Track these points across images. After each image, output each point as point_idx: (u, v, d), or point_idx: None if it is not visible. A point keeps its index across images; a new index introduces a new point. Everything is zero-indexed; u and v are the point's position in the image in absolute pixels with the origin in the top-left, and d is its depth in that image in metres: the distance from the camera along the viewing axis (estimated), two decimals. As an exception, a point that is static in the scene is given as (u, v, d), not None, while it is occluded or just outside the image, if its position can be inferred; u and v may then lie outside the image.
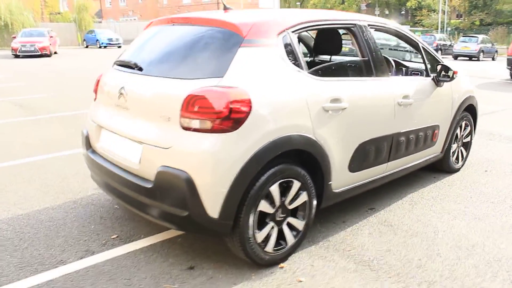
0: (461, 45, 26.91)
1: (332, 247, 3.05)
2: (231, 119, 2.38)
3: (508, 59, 13.50)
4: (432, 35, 30.23)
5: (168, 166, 2.45)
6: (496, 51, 28.31)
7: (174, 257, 2.88)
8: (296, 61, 2.76)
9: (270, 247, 2.72)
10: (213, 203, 2.42)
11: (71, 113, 7.77)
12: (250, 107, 2.42)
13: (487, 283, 2.66)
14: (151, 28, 3.29)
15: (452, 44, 30.18)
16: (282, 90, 2.64)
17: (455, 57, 26.92)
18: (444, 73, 3.85)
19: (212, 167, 2.39)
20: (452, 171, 4.60)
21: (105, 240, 3.11)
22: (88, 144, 3.22)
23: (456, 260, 2.91)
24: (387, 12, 66.21)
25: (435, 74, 3.91)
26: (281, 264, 2.81)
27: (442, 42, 29.47)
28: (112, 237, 3.15)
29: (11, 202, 3.80)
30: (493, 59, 27.46)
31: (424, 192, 4.12)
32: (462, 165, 4.77)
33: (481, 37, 27.28)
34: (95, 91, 3.30)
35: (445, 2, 58.64)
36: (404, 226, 3.41)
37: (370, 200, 3.86)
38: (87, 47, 36.15)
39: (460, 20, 61.50)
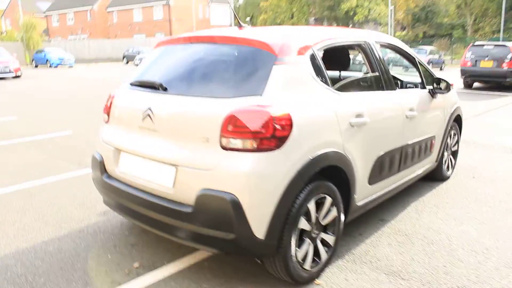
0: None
1: (358, 260, 3.10)
2: (276, 137, 2.39)
3: (461, 69, 14.34)
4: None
5: (210, 189, 2.41)
6: (443, 62, 29.92)
7: (207, 282, 2.81)
8: (322, 78, 2.82)
9: (308, 264, 2.72)
10: (259, 224, 2.40)
11: (46, 136, 7.42)
12: (291, 124, 2.44)
13: (513, 284, 2.80)
14: (164, 47, 3.24)
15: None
16: (316, 106, 2.69)
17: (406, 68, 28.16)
18: (441, 86, 4.05)
19: (259, 187, 2.38)
20: (444, 179, 4.80)
21: (127, 270, 2.98)
22: (102, 169, 3.09)
23: (477, 264, 3.04)
24: (334, 25, 68.57)
25: (431, 87, 4.10)
26: (317, 281, 2.82)
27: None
28: (135, 266, 3.03)
29: (10, 234, 3.57)
30: (441, 69, 28.97)
31: (425, 201, 4.27)
32: (452, 173, 5.00)
33: (429, 48, 28.79)
34: (107, 113, 3.19)
35: (391, 15, 61.63)
36: (418, 234, 3.52)
37: (379, 211, 3.95)
38: (36, 66, 34.73)
39: (404, 33, 64.58)
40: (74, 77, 22.57)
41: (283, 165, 2.42)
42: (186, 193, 2.51)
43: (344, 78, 3.62)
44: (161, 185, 2.65)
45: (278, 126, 2.39)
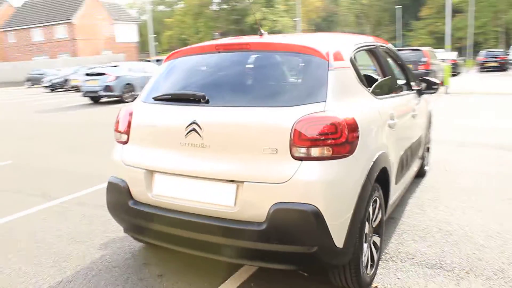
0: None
1: (396, 259, 3.15)
2: (348, 143, 2.34)
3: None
4: None
5: (286, 202, 2.28)
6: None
7: (267, 302, 2.66)
8: (363, 81, 2.83)
9: (368, 268, 2.70)
10: (339, 233, 2.33)
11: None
12: (358, 129, 2.42)
13: (541, 261, 3.04)
14: (182, 58, 3.00)
15: None
16: (367, 109, 2.70)
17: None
18: (429, 86, 4.31)
19: (338, 194, 2.32)
20: (424, 174, 5.10)
21: (171, 302, 2.71)
22: (127, 195, 2.77)
23: (501, 247, 3.25)
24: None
25: (419, 88, 4.34)
26: (374, 284, 2.80)
27: None
28: (177, 296, 2.76)
29: (5, 283, 3.04)
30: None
31: (419, 197, 4.47)
32: (428, 168, 5.33)
33: None
34: (126, 132, 2.87)
35: (295, 27, 64.56)
36: (433, 228, 3.68)
37: (385, 209, 4.06)
38: None
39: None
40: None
41: (356, 170, 2.39)
42: (254, 210, 2.34)
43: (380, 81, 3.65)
44: (217, 204, 2.45)
45: (349, 132, 2.35)
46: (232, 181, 2.41)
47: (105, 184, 2.97)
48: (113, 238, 3.70)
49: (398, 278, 2.88)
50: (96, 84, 15.59)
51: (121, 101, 15.98)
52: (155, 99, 2.84)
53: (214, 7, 66.30)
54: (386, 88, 3.42)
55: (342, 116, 2.35)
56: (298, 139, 2.30)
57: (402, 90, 3.74)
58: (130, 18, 59.59)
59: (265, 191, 2.32)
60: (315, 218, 2.25)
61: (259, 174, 2.34)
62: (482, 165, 5.60)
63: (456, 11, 48.60)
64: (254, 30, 66.55)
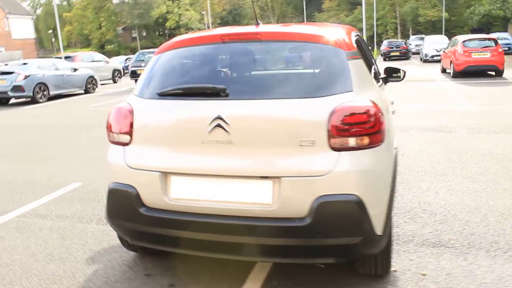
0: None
1: (400, 241, 3.26)
2: (381, 131, 2.35)
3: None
4: None
5: (329, 195, 2.23)
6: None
7: (300, 299, 2.59)
8: (369, 71, 2.86)
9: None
10: (379, 221, 2.34)
11: None
12: (383, 116, 2.44)
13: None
14: (181, 49, 2.77)
15: None
16: (380, 98, 2.73)
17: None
18: (399, 74, 4.47)
19: (377, 183, 2.34)
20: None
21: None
22: (138, 202, 2.52)
23: (484, 221, 3.54)
24: (144, 33, 67.71)
25: (385, 76, 4.50)
26: (393, 268, 2.87)
27: None
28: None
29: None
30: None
31: (402, 183, 4.63)
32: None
33: None
34: (128, 132, 2.58)
35: (200, 21, 63.90)
36: (418, 209, 3.87)
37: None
38: None
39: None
40: None
41: (387, 157, 2.43)
42: (295, 205, 2.26)
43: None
44: (252, 203, 2.32)
45: (380, 120, 2.36)
46: (266, 177, 2.30)
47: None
48: (98, 251, 3.36)
49: (411, 260, 2.98)
50: (4, 84, 14.02)
51: (33, 101, 14.59)
52: (161, 94, 2.59)
53: (116, 1, 63.27)
54: (377, 76, 3.50)
55: (372, 105, 2.35)
56: (335, 129, 2.26)
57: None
58: (24, 12, 54.64)
59: (306, 185, 2.25)
60: (360, 208, 2.24)
61: (298, 168, 2.26)
62: (430, 147, 6.03)
63: (356, 3, 51.88)
64: (159, 24, 64.68)
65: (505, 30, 34.51)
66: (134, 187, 2.52)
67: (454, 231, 3.39)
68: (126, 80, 25.01)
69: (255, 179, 2.32)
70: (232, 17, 64.11)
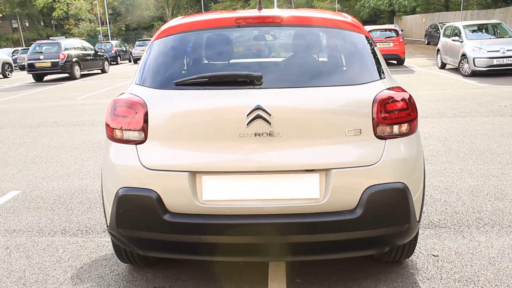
0: (139, 49, 28.63)
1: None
2: (416, 118, 2.34)
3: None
4: (109, 42, 30.78)
5: (379, 184, 2.17)
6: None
7: (334, 294, 2.50)
8: None
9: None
10: (418, 207, 2.35)
11: None
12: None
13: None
14: (192, 33, 2.48)
15: (127, 50, 31.82)
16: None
17: (135, 61, 28.59)
18: None
19: (418, 170, 2.34)
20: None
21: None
22: (161, 208, 2.21)
23: (459, 201, 3.77)
24: (27, 24, 61.67)
25: None
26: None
27: (119, 48, 30.54)
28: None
29: None
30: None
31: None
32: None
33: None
34: (141, 128, 2.23)
35: (90, 11, 59.84)
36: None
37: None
38: None
39: (106, 28, 64.28)
40: None
41: (420, 144, 2.43)
42: (345, 197, 2.16)
43: None
44: (298, 199, 2.17)
45: (415, 106, 2.35)
46: (312, 170, 2.16)
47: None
48: (81, 267, 2.92)
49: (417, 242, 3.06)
50: None
51: None
52: (180, 84, 2.28)
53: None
54: None
55: (408, 93, 2.34)
56: (381, 117, 2.20)
57: None
58: None
59: (357, 176, 2.17)
60: (408, 195, 2.22)
61: (348, 158, 2.16)
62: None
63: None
64: (44, 14, 59.22)
65: (392, 22, 37.75)
66: (155, 191, 2.20)
67: (438, 211, 3.57)
68: (20, 74, 22.58)
69: (300, 173, 2.17)
70: (124, 7, 61.04)
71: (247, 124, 2.14)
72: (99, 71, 20.67)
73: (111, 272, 2.85)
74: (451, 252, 2.92)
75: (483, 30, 13.30)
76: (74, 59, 17.73)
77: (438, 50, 14.59)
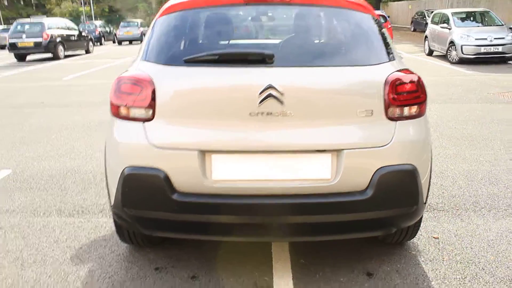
0: (123, 30, 28.09)
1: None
2: (426, 101, 2.34)
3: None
4: (92, 23, 30.08)
5: (389, 165, 2.17)
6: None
7: (322, 272, 2.51)
8: None
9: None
10: (425, 189, 2.36)
11: None
12: None
13: None
14: (198, 10, 2.42)
15: (111, 31, 31.18)
16: None
17: (119, 42, 28.04)
18: None
19: (425, 152, 2.35)
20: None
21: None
22: (169, 187, 2.17)
23: (454, 185, 3.82)
24: (6, 2, 59.73)
25: None
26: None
27: (103, 29, 29.92)
28: (241, 294, 2.36)
29: None
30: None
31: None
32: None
33: (139, 21, 29.32)
34: (149, 105, 2.16)
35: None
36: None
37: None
38: None
39: (88, 8, 62.81)
40: None
41: (429, 128, 2.42)
42: (356, 178, 2.16)
43: None
44: (309, 179, 2.15)
45: (425, 89, 2.34)
46: (324, 150, 2.14)
47: None
48: (80, 248, 2.88)
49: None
50: None
51: None
52: (190, 61, 2.22)
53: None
54: None
55: (417, 75, 2.32)
56: (392, 99, 2.19)
57: None
58: None
59: (368, 157, 2.16)
60: (417, 177, 2.23)
61: (360, 139, 2.15)
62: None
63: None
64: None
65: (378, 8, 37.75)
66: (163, 170, 2.15)
67: (436, 195, 3.60)
68: (0, 53, 21.99)
69: (311, 153, 2.15)
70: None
71: (259, 103, 2.10)
72: (83, 52, 20.23)
73: (111, 252, 2.81)
74: (451, 234, 2.96)
75: (471, 18, 13.38)
76: (57, 39, 17.28)
77: (426, 36, 14.64)
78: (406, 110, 2.23)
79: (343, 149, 2.13)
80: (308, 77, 2.17)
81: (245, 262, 2.64)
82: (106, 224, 3.18)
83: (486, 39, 11.68)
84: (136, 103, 2.20)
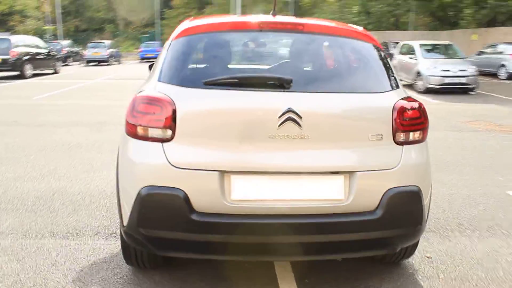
0: (91, 51, 27.74)
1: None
2: (428, 126, 2.51)
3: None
4: (58, 42, 29.48)
5: (397, 187, 2.31)
6: (121, 55, 31.12)
7: (345, 294, 2.60)
8: None
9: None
10: (426, 210, 2.51)
11: None
12: None
13: None
14: (216, 34, 2.54)
15: (79, 51, 30.74)
16: None
17: (88, 62, 27.63)
18: None
19: (428, 174, 2.53)
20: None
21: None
22: (188, 207, 2.20)
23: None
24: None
25: None
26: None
27: (70, 49, 29.45)
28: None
29: None
30: (119, 62, 29.82)
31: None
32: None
33: (108, 42, 29.11)
34: (169, 126, 2.21)
35: (37, 8, 57.23)
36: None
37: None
38: None
39: (55, 26, 61.80)
40: None
41: (429, 152, 2.59)
42: (368, 199, 2.28)
43: None
44: (324, 200, 2.26)
45: (427, 116, 2.51)
46: (337, 172, 2.26)
47: None
48: (81, 270, 2.83)
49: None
50: None
51: None
52: (209, 83, 2.30)
53: None
54: None
55: (420, 103, 2.50)
56: (400, 124, 2.34)
57: None
58: None
59: (379, 179, 2.30)
60: (421, 198, 2.39)
61: (372, 162, 2.29)
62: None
63: (206, 2, 52.88)
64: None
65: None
66: (183, 190, 2.20)
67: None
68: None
69: (326, 175, 2.26)
70: (75, 8, 59.09)
71: (279, 126, 2.20)
72: (52, 71, 19.80)
73: (114, 275, 2.78)
74: (442, 253, 3.12)
75: (437, 50, 14.16)
76: (25, 57, 16.86)
77: (394, 66, 15.29)
78: (411, 135, 2.39)
79: (356, 171, 2.26)
80: (324, 102, 2.31)
81: (250, 283, 2.68)
82: (104, 246, 3.14)
83: (449, 70, 12.38)
84: (155, 123, 2.24)
